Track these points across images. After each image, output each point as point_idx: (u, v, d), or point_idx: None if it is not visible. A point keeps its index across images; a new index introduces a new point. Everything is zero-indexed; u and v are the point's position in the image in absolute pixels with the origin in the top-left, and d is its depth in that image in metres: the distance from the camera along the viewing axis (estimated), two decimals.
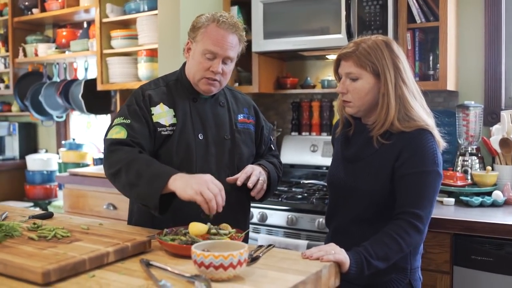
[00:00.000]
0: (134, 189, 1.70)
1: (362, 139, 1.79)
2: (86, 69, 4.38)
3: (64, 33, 4.47)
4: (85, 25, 4.49)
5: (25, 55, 4.63)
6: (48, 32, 4.89)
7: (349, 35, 2.80)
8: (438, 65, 2.76)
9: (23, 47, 4.64)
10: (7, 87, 4.90)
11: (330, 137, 2.10)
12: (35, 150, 5.03)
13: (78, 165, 4.30)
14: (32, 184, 4.61)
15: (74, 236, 1.60)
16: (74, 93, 4.27)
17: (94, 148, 4.56)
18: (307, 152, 3.42)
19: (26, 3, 4.52)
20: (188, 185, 1.60)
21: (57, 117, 4.64)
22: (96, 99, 4.19)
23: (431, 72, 2.90)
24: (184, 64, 2.01)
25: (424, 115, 1.73)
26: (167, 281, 1.25)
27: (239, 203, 1.98)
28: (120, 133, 1.81)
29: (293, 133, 3.56)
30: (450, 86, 2.79)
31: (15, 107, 4.96)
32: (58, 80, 4.55)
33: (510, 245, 2.08)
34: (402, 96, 1.70)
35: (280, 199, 2.73)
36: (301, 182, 3.14)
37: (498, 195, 2.46)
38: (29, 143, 5.03)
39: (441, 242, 2.22)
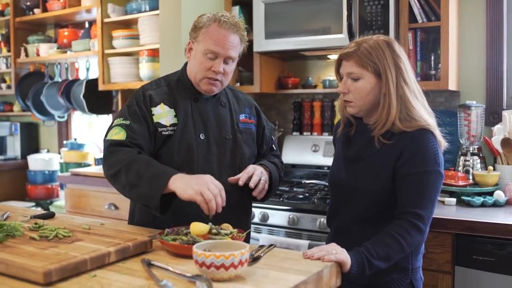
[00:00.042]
0: (134, 190, 1.70)
1: (364, 139, 1.79)
2: (87, 69, 4.38)
3: (66, 33, 4.47)
4: (86, 25, 4.49)
5: (26, 55, 4.64)
6: (50, 32, 4.90)
7: (351, 35, 2.80)
8: (440, 65, 2.76)
9: (25, 47, 4.64)
10: (9, 87, 4.90)
11: (331, 137, 2.10)
12: (36, 150, 5.03)
13: (79, 165, 4.30)
14: (34, 184, 4.62)
15: (76, 236, 1.60)
16: (76, 93, 4.28)
17: (96, 148, 4.56)
18: (308, 152, 3.42)
19: (28, 3, 4.52)
20: (188, 185, 1.60)
21: (58, 117, 4.64)
22: (97, 99, 4.19)
23: (433, 72, 2.89)
24: (186, 64, 2.01)
25: (426, 115, 1.72)
26: (168, 281, 1.25)
27: (241, 203, 1.98)
28: (119, 134, 1.82)
29: (294, 133, 3.55)
30: (452, 86, 2.79)
31: (16, 107, 4.97)
32: (60, 80, 4.55)
33: (511, 245, 2.08)
34: (404, 96, 1.70)
35: (281, 199, 2.73)
36: (303, 182, 3.14)
37: (499, 195, 2.46)
38: (31, 143, 5.03)
39: (442, 242, 2.22)
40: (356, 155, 1.79)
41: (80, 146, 4.48)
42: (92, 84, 4.13)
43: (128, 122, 1.85)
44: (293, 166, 3.45)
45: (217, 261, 1.25)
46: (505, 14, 2.87)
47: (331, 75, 3.39)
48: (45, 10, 4.46)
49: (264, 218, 2.77)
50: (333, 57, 3.33)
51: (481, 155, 2.73)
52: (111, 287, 1.24)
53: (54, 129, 4.96)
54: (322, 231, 2.59)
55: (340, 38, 2.86)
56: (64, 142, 4.74)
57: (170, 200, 1.68)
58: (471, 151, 2.73)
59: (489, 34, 2.89)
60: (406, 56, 1.77)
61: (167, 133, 1.88)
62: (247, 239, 1.88)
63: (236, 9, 3.31)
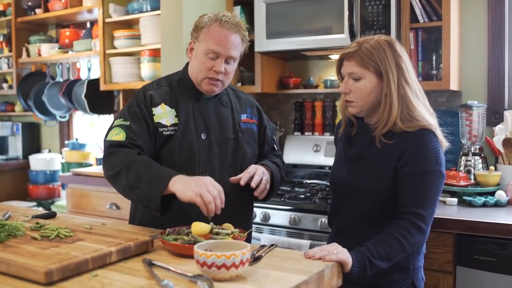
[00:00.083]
0: (134, 191, 1.71)
1: (365, 139, 1.78)
2: (89, 69, 4.38)
3: (67, 33, 4.48)
4: (88, 25, 4.49)
5: (28, 55, 4.65)
6: (51, 32, 4.90)
7: (352, 35, 2.80)
8: (441, 65, 2.76)
9: (26, 47, 4.65)
10: (10, 87, 4.91)
11: (333, 137, 2.10)
12: (38, 150, 5.03)
13: (81, 165, 4.31)
14: (35, 184, 4.62)
15: (77, 235, 1.60)
16: (77, 93, 4.28)
17: (97, 148, 4.56)
18: (309, 152, 3.42)
19: (29, 3, 4.53)
20: (188, 187, 1.61)
21: (60, 117, 4.64)
22: (99, 99, 4.19)
23: (434, 72, 2.89)
24: (187, 64, 2.01)
25: (427, 115, 1.72)
26: (170, 280, 1.25)
27: (242, 203, 1.98)
28: (119, 135, 1.82)
29: (296, 133, 3.55)
30: (453, 86, 2.78)
31: (18, 107, 4.97)
32: (61, 80, 4.56)
33: None
34: (405, 96, 1.70)
35: (283, 199, 2.73)
36: (304, 182, 3.14)
37: (501, 195, 2.46)
38: (32, 143, 5.04)
39: (444, 242, 2.22)
40: (358, 155, 1.79)
41: (81, 146, 4.48)
42: (93, 84, 4.13)
43: (128, 123, 1.85)
44: (295, 166, 3.45)
45: (218, 261, 1.25)
46: (506, 14, 2.87)
47: (332, 75, 3.39)
48: (46, 10, 4.47)
49: (266, 218, 2.77)
50: (335, 57, 3.33)
51: (482, 155, 2.73)
52: (112, 287, 1.24)
53: (56, 129, 4.96)
54: (323, 231, 2.59)
55: (341, 38, 2.86)
56: (66, 142, 4.74)
57: (170, 201, 1.68)
58: (472, 151, 2.73)
59: (490, 34, 2.89)
60: (407, 56, 1.77)
61: (167, 133, 1.88)
62: (248, 239, 1.88)
63: (238, 9, 3.31)
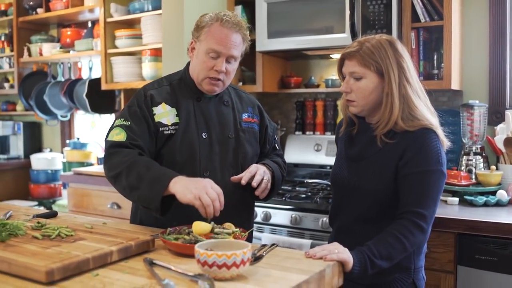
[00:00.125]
0: (135, 192, 1.71)
1: (366, 138, 1.78)
2: (90, 69, 4.39)
3: (69, 33, 4.49)
4: (89, 24, 4.50)
5: (29, 54, 4.65)
6: (53, 31, 4.90)
7: (353, 34, 2.80)
8: (443, 64, 2.76)
9: (28, 46, 4.65)
10: (11, 86, 4.91)
11: (334, 137, 2.10)
12: (39, 149, 5.04)
13: (82, 164, 4.31)
14: (37, 183, 4.63)
15: (78, 235, 1.60)
16: (79, 92, 4.28)
17: (99, 148, 4.57)
18: (311, 151, 3.41)
19: (31, 3, 4.53)
20: (187, 189, 1.61)
21: (61, 116, 4.65)
22: (100, 99, 4.20)
23: (436, 71, 2.89)
24: (188, 63, 2.01)
25: (428, 115, 1.72)
26: (171, 280, 1.25)
27: (243, 202, 1.98)
28: (119, 135, 1.83)
29: (297, 133, 3.55)
30: (455, 85, 2.78)
31: (19, 107, 4.98)
32: (63, 79, 4.56)
33: None
34: (406, 96, 1.70)
35: (284, 198, 2.73)
36: (305, 181, 3.14)
37: (502, 195, 2.46)
38: (34, 142, 5.04)
39: (445, 242, 2.22)
40: (359, 154, 1.79)
41: (82, 146, 4.49)
42: (95, 83, 4.13)
43: (128, 123, 1.85)
44: (296, 165, 3.45)
45: (219, 260, 1.25)
46: (508, 14, 2.86)
47: (333, 75, 3.39)
48: (48, 9, 4.47)
49: (267, 217, 2.77)
50: (336, 56, 3.33)
51: (484, 154, 2.73)
52: (113, 286, 1.24)
53: (57, 128, 4.97)
54: (324, 230, 2.59)
55: (342, 37, 2.86)
56: (67, 141, 4.75)
57: (170, 202, 1.68)
58: (474, 151, 2.72)
59: (492, 34, 2.89)
60: (408, 55, 1.77)
61: (168, 132, 1.88)
62: (249, 239, 1.87)
63: (239, 8, 3.31)
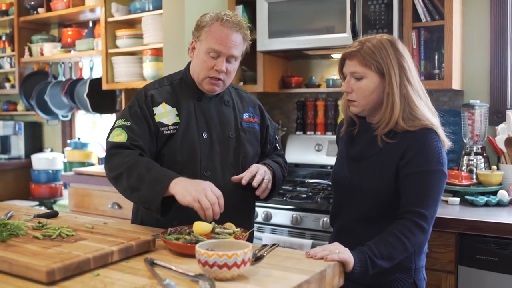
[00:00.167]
0: (136, 193, 1.71)
1: (367, 138, 1.78)
2: (91, 69, 4.39)
3: (70, 33, 4.49)
4: (90, 24, 4.50)
5: (30, 54, 4.65)
6: (54, 31, 4.90)
7: (354, 34, 2.80)
8: (444, 64, 2.75)
9: (29, 46, 4.66)
10: (12, 86, 4.91)
11: (335, 136, 2.10)
12: (40, 149, 5.04)
13: (83, 164, 4.31)
14: (38, 183, 4.63)
15: (79, 235, 1.60)
16: (80, 92, 4.28)
17: (99, 147, 4.57)
18: (311, 151, 3.41)
19: (32, 3, 4.53)
20: (187, 191, 1.61)
21: (62, 116, 4.65)
22: (101, 98, 4.20)
23: (436, 71, 2.89)
24: (189, 63, 2.01)
25: (429, 114, 1.72)
26: (171, 280, 1.25)
27: (244, 202, 1.98)
28: (120, 136, 1.83)
29: (298, 132, 3.55)
30: (456, 85, 2.78)
31: (20, 107, 4.98)
32: (64, 79, 4.56)
33: None
34: (407, 95, 1.70)
35: (284, 198, 2.73)
36: (306, 181, 3.14)
37: (503, 195, 2.45)
38: (35, 142, 5.04)
39: (446, 242, 2.22)
40: (359, 154, 1.79)
41: (83, 145, 4.49)
42: (95, 83, 4.13)
43: (129, 123, 1.85)
44: (296, 165, 3.45)
45: (220, 260, 1.25)
46: (509, 13, 2.86)
47: (334, 74, 3.39)
48: (49, 9, 4.47)
49: (267, 217, 2.77)
50: (337, 56, 3.33)
51: (484, 154, 2.73)
52: (114, 286, 1.24)
53: (58, 128, 4.97)
54: (325, 230, 2.59)
55: (343, 37, 2.86)
56: (68, 141, 4.75)
57: (171, 202, 1.68)
58: (474, 151, 2.72)
59: (493, 33, 2.88)
60: (409, 55, 1.76)
61: (169, 132, 1.88)
62: (250, 239, 1.87)
63: (240, 8, 3.31)
